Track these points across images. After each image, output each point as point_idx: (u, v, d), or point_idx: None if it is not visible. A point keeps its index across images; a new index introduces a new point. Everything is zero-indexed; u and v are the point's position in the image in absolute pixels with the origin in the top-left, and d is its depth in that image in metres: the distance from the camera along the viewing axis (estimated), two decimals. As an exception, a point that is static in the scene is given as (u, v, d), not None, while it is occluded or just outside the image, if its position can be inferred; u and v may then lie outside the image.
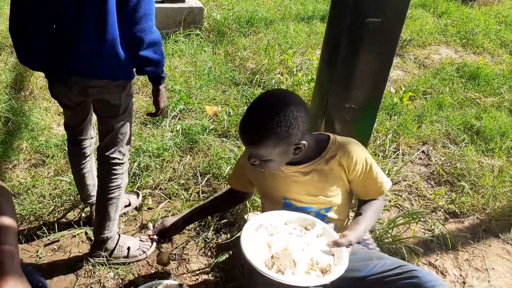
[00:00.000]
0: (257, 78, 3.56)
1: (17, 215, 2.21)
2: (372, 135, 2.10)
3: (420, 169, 2.85)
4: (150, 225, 1.89)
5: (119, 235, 2.05)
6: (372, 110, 1.66)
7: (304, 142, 1.28)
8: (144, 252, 2.08)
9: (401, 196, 2.56)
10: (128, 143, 1.90)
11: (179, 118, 3.07)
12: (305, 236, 1.38)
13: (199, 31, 4.38)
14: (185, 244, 2.16)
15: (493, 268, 2.15)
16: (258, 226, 1.41)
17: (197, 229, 2.23)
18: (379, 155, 2.82)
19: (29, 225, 2.17)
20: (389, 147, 2.89)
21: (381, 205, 1.52)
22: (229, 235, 2.18)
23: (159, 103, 1.83)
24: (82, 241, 2.14)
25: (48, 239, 2.11)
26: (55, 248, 2.09)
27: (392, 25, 1.46)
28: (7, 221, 1.03)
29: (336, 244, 1.29)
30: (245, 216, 2.16)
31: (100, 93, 1.70)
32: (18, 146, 2.67)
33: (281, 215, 1.44)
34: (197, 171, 2.57)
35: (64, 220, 2.24)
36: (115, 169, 1.86)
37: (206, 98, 3.30)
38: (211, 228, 2.20)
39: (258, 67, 3.86)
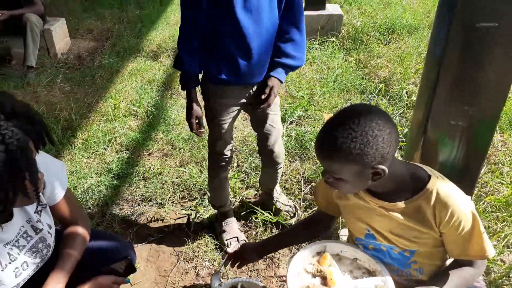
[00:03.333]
0: (382, 86, 3.37)
1: (142, 197, 2.55)
2: (484, 165, 1.77)
3: None
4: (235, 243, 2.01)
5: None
6: (485, 131, 1.41)
7: (383, 167, 1.13)
8: (239, 248, 2.19)
9: (539, 236, 2.13)
10: (221, 144, 2.00)
11: (296, 124, 3.11)
12: (361, 281, 1.30)
13: (335, 38, 4.35)
14: (278, 247, 2.19)
15: None
16: (321, 250, 1.39)
17: (293, 235, 2.24)
18: (516, 185, 2.39)
19: (151, 207, 2.48)
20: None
21: (474, 276, 1.25)
22: (321, 246, 2.13)
23: None
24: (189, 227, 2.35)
25: (162, 222, 2.38)
26: (166, 230, 2.34)
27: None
28: (73, 253, 1.39)
29: None
30: (339, 232, 2.08)
31: None
32: (155, 137, 3.07)
33: (354, 251, 1.39)
34: (302, 178, 2.57)
35: (179, 205, 2.49)
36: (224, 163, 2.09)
37: (327, 106, 3.27)
38: (306, 236, 2.18)
39: (390, 76, 3.64)
